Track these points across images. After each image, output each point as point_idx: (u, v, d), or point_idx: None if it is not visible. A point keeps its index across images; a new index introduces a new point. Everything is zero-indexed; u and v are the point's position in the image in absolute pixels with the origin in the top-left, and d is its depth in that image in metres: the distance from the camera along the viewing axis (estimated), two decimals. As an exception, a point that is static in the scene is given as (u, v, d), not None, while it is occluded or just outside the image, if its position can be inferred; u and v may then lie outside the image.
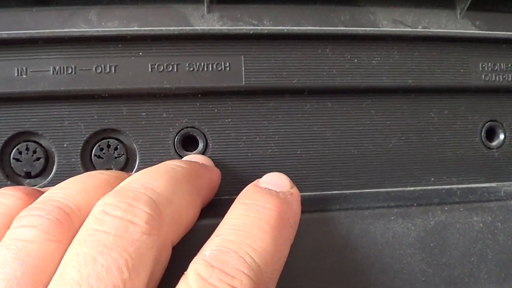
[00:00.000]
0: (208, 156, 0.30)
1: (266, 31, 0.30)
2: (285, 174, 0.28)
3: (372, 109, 0.32)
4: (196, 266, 0.21)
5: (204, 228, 0.24)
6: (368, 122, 0.32)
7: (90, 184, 0.25)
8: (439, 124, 0.33)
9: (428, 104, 0.33)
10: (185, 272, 0.21)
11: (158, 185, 0.23)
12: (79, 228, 0.22)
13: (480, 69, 0.33)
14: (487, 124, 0.34)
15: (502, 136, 0.35)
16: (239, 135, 0.31)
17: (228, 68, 0.30)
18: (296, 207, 0.25)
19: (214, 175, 0.28)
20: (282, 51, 0.31)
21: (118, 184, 0.24)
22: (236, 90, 0.30)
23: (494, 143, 0.34)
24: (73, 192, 0.24)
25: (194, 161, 0.28)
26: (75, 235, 0.22)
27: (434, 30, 0.33)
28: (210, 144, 0.31)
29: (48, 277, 0.21)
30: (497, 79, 0.33)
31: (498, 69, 0.33)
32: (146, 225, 0.21)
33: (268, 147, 0.31)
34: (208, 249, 0.22)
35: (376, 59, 0.31)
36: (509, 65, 0.33)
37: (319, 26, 0.32)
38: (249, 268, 0.21)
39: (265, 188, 0.26)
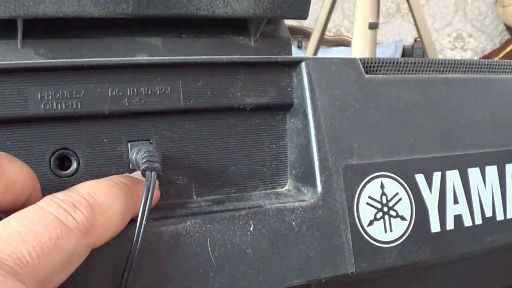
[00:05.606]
0: None
1: None
2: None
3: None
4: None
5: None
6: None
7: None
8: (-2, 156, 0.32)
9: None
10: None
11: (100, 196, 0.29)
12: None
13: (39, 98, 0.32)
14: (57, 152, 0.34)
15: (75, 164, 0.34)
16: None
17: None
18: None
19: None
20: None
21: None
22: None
23: (68, 171, 0.34)
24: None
25: (135, 179, 0.32)
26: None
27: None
28: None
29: None
30: (60, 107, 0.33)
31: (61, 97, 0.33)
32: (80, 223, 0.27)
33: None
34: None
35: None
36: (74, 92, 0.33)
37: None
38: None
39: None
